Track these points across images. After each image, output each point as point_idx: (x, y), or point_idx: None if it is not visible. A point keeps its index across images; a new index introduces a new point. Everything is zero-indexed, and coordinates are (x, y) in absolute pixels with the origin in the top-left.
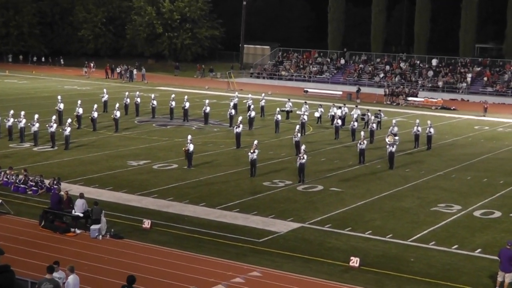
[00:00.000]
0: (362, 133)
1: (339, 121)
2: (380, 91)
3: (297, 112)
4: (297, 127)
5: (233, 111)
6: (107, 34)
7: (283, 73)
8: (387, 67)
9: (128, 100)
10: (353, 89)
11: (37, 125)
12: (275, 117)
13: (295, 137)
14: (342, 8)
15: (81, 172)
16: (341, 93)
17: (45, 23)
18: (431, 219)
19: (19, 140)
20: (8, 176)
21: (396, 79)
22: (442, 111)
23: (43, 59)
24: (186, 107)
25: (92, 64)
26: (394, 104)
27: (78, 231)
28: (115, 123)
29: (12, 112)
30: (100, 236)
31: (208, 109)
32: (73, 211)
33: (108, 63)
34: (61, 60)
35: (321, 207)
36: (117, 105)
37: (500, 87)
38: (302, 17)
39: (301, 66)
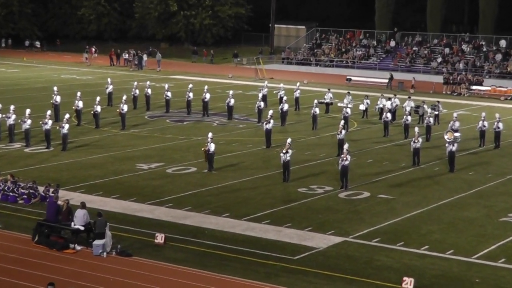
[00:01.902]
0: (417, 129)
1: (389, 115)
2: (438, 79)
3: (339, 104)
4: (341, 122)
5: (262, 104)
6: (111, 13)
7: (321, 58)
8: (447, 50)
9: (137, 91)
10: (407, 76)
11: (29, 121)
12: (312, 111)
13: (337, 134)
14: None
15: (82, 178)
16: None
17: (38, 1)
18: (500, 231)
19: (8, 140)
20: None
21: (460, 65)
22: None
23: (36, 43)
24: (206, 99)
25: (94, 49)
26: (455, 94)
27: (78, 248)
28: (121, 119)
29: None
30: (105, 253)
31: (232, 101)
32: (73, 223)
33: (113, 48)
34: (57, 43)
35: (368, 217)
36: (124, 97)
37: None
38: None
39: (343, 50)
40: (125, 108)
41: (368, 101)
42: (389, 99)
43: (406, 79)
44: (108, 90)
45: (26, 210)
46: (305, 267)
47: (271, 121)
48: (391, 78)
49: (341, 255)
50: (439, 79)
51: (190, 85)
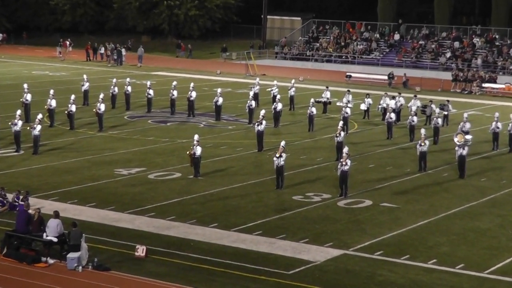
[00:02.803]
0: (423, 130)
1: (393, 116)
2: (447, 76)
3: (338, 103)
4: (340, 124)
5: (253, 103)
6: (87, 3)
7: (318, 52)
8: (456, 44)
9: (116, 89)
10: (413, 73)
11: None
12: (308, 111)
13: (336, 136)
14: None
15: (55, 184)
16: (395, 78)
17: None
18: None
19: None
20: None
21: (478, 60)
22: None
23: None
24: (192, 98)
25: (68, 43)
26: (466, 92)
27: (51, 261)
28: (98, 120)
29: None
30: (80, 267)
31: (220, 100)
32: (45, 234)
33: (90, 41)
34: (24, 36)
35: (370, 228)
36: (102, 95)
37: None
38: None
39: (342, 44)
40: (102, 107)
41: (369, 100)
42: (393, 98)
43: (412, 76)
44: (84, 88)
45: None
46: (300, 282)
47: (263, 122)
48: (391, 77)
49: (340, 270)
50: (448, 75)
51: (174, 83)
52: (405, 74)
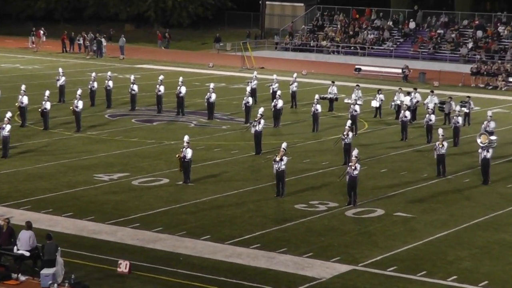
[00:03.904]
0: (441, 131)
1: (408, 114)
2: (468, 69)
3: (346, 100)
4: (348, 123)
5: (250, 100)
6: None
7: (323, 43)
8: (479, 33)
9: (96, 84)
10: (430, 65)
11: None
12: (312, 109)
13: (344, 137)
14: None
15: (27, 191)
16: (410, 71)
17: None
18: None
19: None
20: None
21: (509, 53)
22: None
23: None
24: (181, 94)
25: (42, 32)
26: (490, 87)
27: (22, 278)
28: (76, 119)
29: None
30: (55, 285)
31: (213, 97)
32: (16, 248)
33: (66, 31)
34: None
35: (382, 241)
36: (79, 91)
37: None
38: None
39: (351, 33)
40: (80, 105)
41: (381, 96)
42: (408, 94)
43: (429, 69)
44: (59, 83)
45: None
46: None
47: (262, 121)
48: (405, 71)
49: (349, 287)
50: (470, 69)
51: (161, 77)
52: (406, 66)
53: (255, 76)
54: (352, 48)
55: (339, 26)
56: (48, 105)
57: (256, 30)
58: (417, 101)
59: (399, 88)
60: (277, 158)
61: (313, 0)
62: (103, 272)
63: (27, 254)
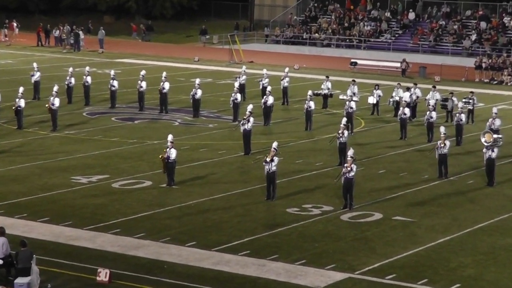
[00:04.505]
0: (443, 129)
1: (407, 111)
2: (472, 63)
3: (341, 97)
4: (344, 121)
5: (238, 97)
6: None
7: (317, 35)
8: (483, 25)
9: (73, 80)
10: (431, 59)
11: None
12: (305, 105)
13: (339, 136)
14: None
15: None
16: (409, 66)
17: None
18: None
19: None
20: None
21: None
22: None
23: None
24: (164, 91)
25: (15, 24)
26: (495, 82)
27: None
28: (52, 117)
29: None
30: None
31: (199, 93)
32: None
33: (42, 23)
34: None
35: (380, 247)
36: (56, 88)
37: None
38: None
39: (346, 25)
40: (56, 102)
41: (379, 92)
42: (408, 89)
43: (430, 63)
44: (34, 79)
45: None
46: None
47: (251, 119)
48: (406, 65)
49: None
50: (473, 62)
51: (143, 72)
52: (404, 59)
53: (244, 71)
54: (348, 40)
55: (333, 17)
56: (22, 103)
57: (245, 22)
58: (417, 97)
59: (398, 84)
60: (268, 159)
61: None
62: (81, 281)
63: (0, 262)
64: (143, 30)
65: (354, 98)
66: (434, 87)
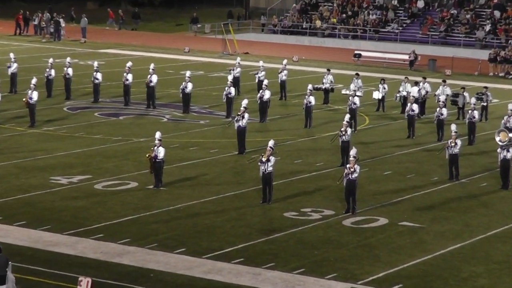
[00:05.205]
0: (454, 127)
1: (415, 107)
2: (485, 55)
3: (343, 91)
4: (347, 117)
5: (232, 91)
6: None
7: (318, 24)
8: (497, 14)
9: (53, 72)
10: (442, 51)
11: None
12: (305, 101)
13: (341, 134)
14: None
15: None
16: (418, 58)
17: None
18: None
19: None
20: None
21: None
22: None
23: None
24: (152, 84)
25: None
26: (510, 77)
27: None
28: (30, 112)
29: None
30: None
31: (189, 86)
32: None
33: (21, 10)
34: None
35: (385, 255)
36: (34, 80)
37: None
38: None
39: (350, 13)
40: (34, 96)
41: (385, 86)
42: (416, 84)
43: (440, 56)
44: (10, 70)
45: None
46: None
47: (246, 115)
48: (413, 59)
49: None
50: (487, 55)
51: (129, 64)
52: (413, 51)
53: (238, 63)
54: (351, 30)
55: (335, 4)
56: None
57: (240, 9)
58: (426, 93)
59: (405, 77)
60: (264, 159)
61: None
62: None
63: None
64: (121, 16)
65: (358, 93)
66: (445, 81)
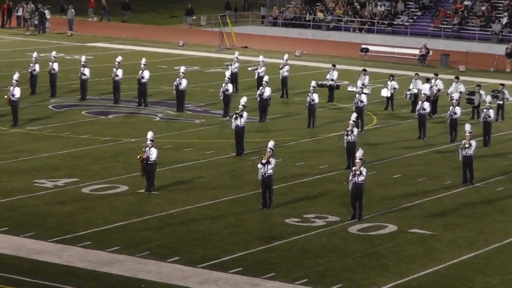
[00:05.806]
0: (468, 127)
1: (427, 106)
2: (502, 50)
3: (349, 89)
4: (353, 116)
5: (230, 88)
6: None
7: (320, 16)
8: None
9: (37, 67)
10: (455, 45)
11: None
12: (308, 99)
13: (347, 134)
14: None
15: None
16: (429, 53)
17: None
18: None
19: None
20: None
21: None
22: None
23: None
24: (144, 80)
25: None
26: None
27: None
28: (12, 110)
29: None
30: None
31: (184, 83)
32: None
33: (6, 0)
34: None
35: (394, 264)
36: (16, 76)
37: None
38: None
39: (355, 5)
40: (17, 92)
41: (394, 83)
42: (428, 81)
43: (453, 50)
44: None
45: None
46: None
47: (244, 114)
48: (425, 54)
49: None
50: (504, 49)
51: (119, 58)
52: (425, 45)
53: (237, 57)
54: (358, 23)
55: None
56: None
57: (238, 0)
58: (439, 90)
59: (416, 74)
60: (263, 161)
61: None
62: None
63: None
64: (103, 6)
65: (365, 91)
66: (458, 78)
